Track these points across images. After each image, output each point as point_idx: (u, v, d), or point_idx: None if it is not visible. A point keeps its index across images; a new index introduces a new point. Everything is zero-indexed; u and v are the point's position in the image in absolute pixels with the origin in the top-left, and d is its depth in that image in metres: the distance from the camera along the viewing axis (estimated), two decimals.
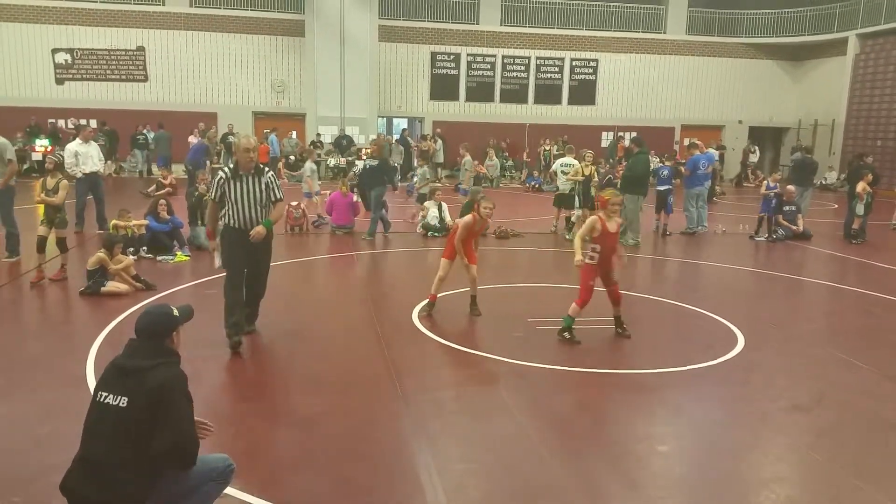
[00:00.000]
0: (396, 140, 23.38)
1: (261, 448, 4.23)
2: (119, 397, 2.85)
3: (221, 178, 5.79)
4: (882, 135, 22.44)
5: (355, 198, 12.28)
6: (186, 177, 18.66)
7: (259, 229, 5.74)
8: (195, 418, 3.02)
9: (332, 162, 21.90)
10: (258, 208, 5.80)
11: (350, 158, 22.02)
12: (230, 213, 5.78)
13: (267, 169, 5.98)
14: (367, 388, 5.24)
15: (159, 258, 9.44)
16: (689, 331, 7.09)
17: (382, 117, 24.99)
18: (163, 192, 14.02)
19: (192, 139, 21.04)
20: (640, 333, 6.73)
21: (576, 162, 12.49)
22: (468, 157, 15.86)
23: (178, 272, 8.96)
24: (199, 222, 10.38)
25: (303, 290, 8.70)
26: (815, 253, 11.86)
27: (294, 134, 22.71)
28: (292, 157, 21.50)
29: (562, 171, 12.71)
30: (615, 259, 6.44)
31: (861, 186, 12.52)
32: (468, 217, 7.07)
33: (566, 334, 6.37)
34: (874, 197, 12.86)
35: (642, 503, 3.76)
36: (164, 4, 22.28)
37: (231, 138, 21.30)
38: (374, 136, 21.79)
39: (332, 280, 9.48)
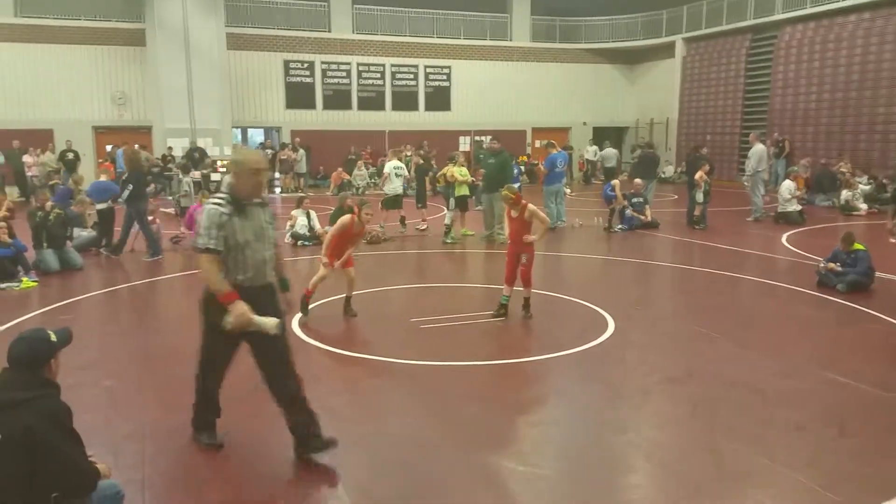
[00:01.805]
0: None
1: (154, 473, 3.89)
2: None
3: (222, 214, 3.78)
4: (711, 129, 24.63)
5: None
6: (23, 199, 17.03)
7: (288, 297, 4.26)
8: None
9: (185, 179, 20.76)
10: (268, 253, 4.00)
11: (205, 171, 21.03)
12: (237, 263, 3.86)
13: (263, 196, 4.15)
14: (254, 402, 4.96)
15: (3, 285, 8.50)
16: (563, 318, 7.37)
17: (237, 128, 24.10)
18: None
19: (28, 158, 19.28)
20: (518, 323, 6.93)
21: (402, 165, 13.41)
22: (390, 162, 15.40)
23: (25, 299, 8.13)
24: (45, 244, 9.51)
25: (170, 308, 8.16)
26: (664, 240, 12.76)
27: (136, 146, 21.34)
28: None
29: (395, 175, 13.08)
30: (525, 241, 7.03)
31: (699, 175, 13.63)
32: (346, 217, 7.01)
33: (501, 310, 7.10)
34: (711, 185, 14.05)
35: (544, 484, 3.83)
36: None
37: (70, 155, 19.72)
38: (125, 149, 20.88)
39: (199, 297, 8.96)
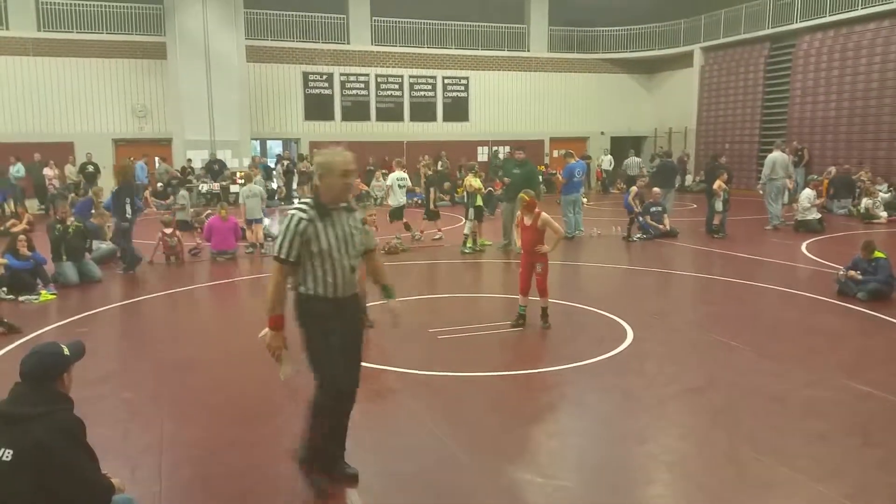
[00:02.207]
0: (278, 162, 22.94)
1: (170, 486, 3.92)
2: (3, 450, 2.52)
3: (301, 221, 3.54)
4: (730, 138, 24.45)
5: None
6: (43, 211, 17.30)
7: (393, 305, 4.01)
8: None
9: (204, 188, 21.03)
10: (355, 261, 3.73)
11: (224, 183, 21.26)
12: (316, 274, 3.58)
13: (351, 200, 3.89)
14: (271, 415, 5.00)
15: (22, 298, 8.61)
16: (581, 328, 7.33)
17: (256, 139, 24.34)
18: (20, 227, 12.83)
19: (48, 171, 19.60)
20: (536, 333, 6.91)
21: (405, 176, 13.54)
22: (393, 173, 15.42)
23: (44, 312, 8.22)
24: (64, 257, 9.63)
25: (188, 320, 8.23)
26: (683, 249, 12.67)
27: (158, 160, 21.69)
28: (160, 185, 20.46)
29: (399, 186, 13.16)
30: (538, 251, 6.99)
31: (717, 184, 13.54)
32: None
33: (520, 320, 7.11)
34: (730, 194, 13.94)
35: (562, 495, 3.81)
36: (7, 29, 20.62)
37: (90, 168, 20.02)
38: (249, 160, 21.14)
39: (218, 308, 9.04)
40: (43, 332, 7.19)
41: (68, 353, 2.79)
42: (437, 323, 7.24)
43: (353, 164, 3.74)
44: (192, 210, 15.95)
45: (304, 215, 3.56)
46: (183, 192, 16.53)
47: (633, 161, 23.55)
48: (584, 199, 20.37)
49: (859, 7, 19.94)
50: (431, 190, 14.04)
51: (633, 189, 14.22)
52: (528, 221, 7.04)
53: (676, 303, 8.88)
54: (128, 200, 10.36)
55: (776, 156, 14.71)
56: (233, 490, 3.91)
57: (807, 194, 14.36)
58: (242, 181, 15.00)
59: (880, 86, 19.42)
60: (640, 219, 13.55)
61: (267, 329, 3.60)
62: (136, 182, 11.14)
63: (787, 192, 15.06)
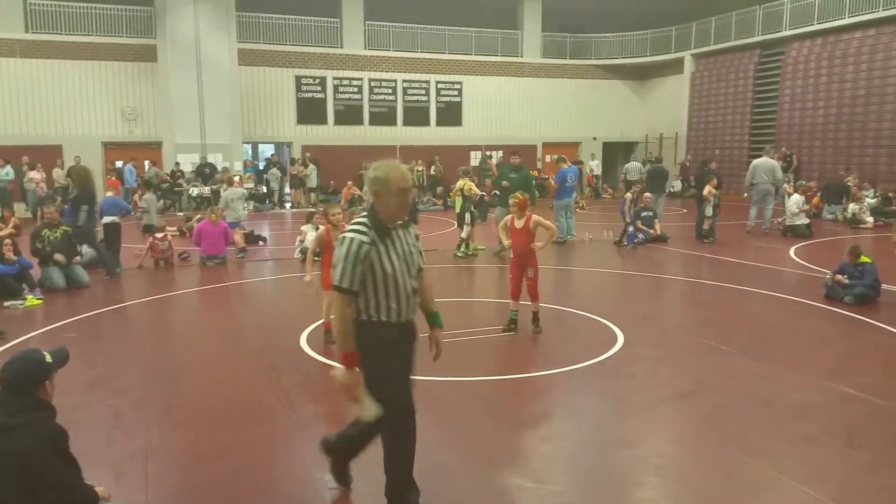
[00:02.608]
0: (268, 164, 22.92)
1: (157, 493, 3.90)
2: None
3: (363, 245, 3.22)
4: (720, 144, 24.62)
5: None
6: (30, 215, 17.19)
7: (438, 336, 3.72)
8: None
9: (194, 192, 20.98)
10: (416, 282, 3.45)
11: (214, 187, 21.21)
12: (379, 300, 3.29)
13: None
14: (259, 421, 4.98)
15: (7, 303, 8.51)
16: (572, 332, 7.35)
17: (248, 143, 24.30)
18: (6, 231, 12.75)
19: (34, 175, 19.47)
20: (527, 338, 6.93)
21: None
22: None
23: (29, 317, 8.15)
24: (50, 262, 9.55)
25: (176, 325, 8.20)
26: (673, 253, 12.73)
27: (147, 164, 21.64)
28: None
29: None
30: (529, 254, 6.98)
31: (707, 189, 13.63)
32: (320, 231, 6.73)
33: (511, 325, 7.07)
34: (720, 199, 14.03)
35: (554, 500, 3.82)
36: None
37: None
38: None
39: (209, 313, 9.00)
40: (28, 337, 7.11)
41: (50, 361, 2.73)
42: (427, 328, 7.22)
43: (410, 178, 3.41)
44: (181, 214, 15.91)
45: (364, 238, 3.21)
46: (148, 195, 16.17)
47: (633, 166, 23.21)
48: (582, 203, 20.64)
49: (846, 16, 20.16)
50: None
51: (628, 196, 14.23)
52: (518, 224, 7.02)
53: (667, 307, 8.92)
54: (85, 208, 10.17)
55: (758, 161, 14.92)
56: (221, 497, 3.89)
57: (795, 199, 14.47)
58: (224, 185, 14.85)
59: (866, 93, 19.63)
60: (631, 228, 13.54)
61: (339, 367, 3.28)
62: (94, 189, 10.89)
63: (774, 197, 15.12)
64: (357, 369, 3.25)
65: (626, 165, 23.74)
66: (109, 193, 11.98)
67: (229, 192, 13.02)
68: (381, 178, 3.28)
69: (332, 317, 3.90)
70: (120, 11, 21.60)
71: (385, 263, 3.24)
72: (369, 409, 3.26)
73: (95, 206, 10.57)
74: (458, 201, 12.54)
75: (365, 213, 3.34)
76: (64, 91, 21.17)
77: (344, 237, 3.24)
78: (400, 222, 3.37)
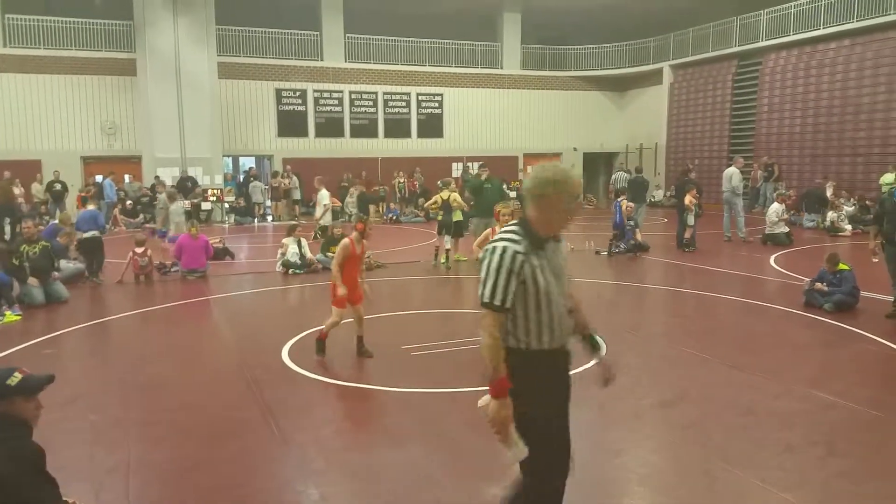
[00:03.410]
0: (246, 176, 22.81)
1: None
2: None
3: (517, 256, 2.75)
4: (699, 154, 24.87)
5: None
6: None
7: (609, 364, 3.25)
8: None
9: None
10: (568, 302, 3.01)
11: (195, 201, 21.05)
12: (530, 322, 2.83)
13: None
14: (241, 435, 4.93)
15: None
16: None
17: (228, 156, 24.19)
18: None
19: (14, 190, 19.21)
20: None
21: (328, 194, 14.11)
22: (324, 191, 15.63)
23: (7, 334, 8.00)
24: (27, 279, 9.41)
25: (158, 340, 8.10)
26: (654, 262, 12.81)
27: (127, 178, 21.51)
28: (130, 202, 20.22)
29: (323, 205, 13.65)
30: None
31: (688, 199, 13.75)
32: (345, 241, 6.60)
33: None
34: (702, 208, 14.15)
35: None
36: None
37: (57, 186, 19.66)
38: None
39: (189, 327, 8.90)
40: (4, 354, 7.00)
41: (12, 385, 2.64)
42: (410, 339, 7.22)
43: (577, 179, 2.99)
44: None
45: (518, 248, 2.74)
46: (175, 204, 15.33)
47: (621, 175, 23.23)
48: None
49: (821, 27, 20.50)
50: (370, 207, 14.51)
51: (628, 204, 14.16)
52: None
53: (649, 316, 8.96)
54: (8, 220, 9.95)
55: (727, 171, 15.31)
56: None
57: (775, 208, 14.64)
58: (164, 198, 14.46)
59: (842, 103, 19.94)
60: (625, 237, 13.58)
61: (488, 398, 2.84)
62: (17, 202, 10.82)
63: (739, 204, 15.14)
64: (509, 400, 2.77)
65: (614, 175, 23.95)
66: (91, 206, 11.76)
67: (175, 206, 13.33)
68: (552, 181, 2.80)
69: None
70: (99, 25, 21.47)
71: (540, 279, 2.77)
72: (516, 450, 2.81)
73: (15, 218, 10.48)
74: (441, 212, 12.61)
75: (516, 222, 2.93)
76: (43, 106, 20.97)
77: (494, 246, 2.78)
78: (553, 234, 2.90)
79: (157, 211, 13.92)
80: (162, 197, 14.46)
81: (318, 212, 15.51)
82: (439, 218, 12.77)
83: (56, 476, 2.85)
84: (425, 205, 17.50)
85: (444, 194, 12.69)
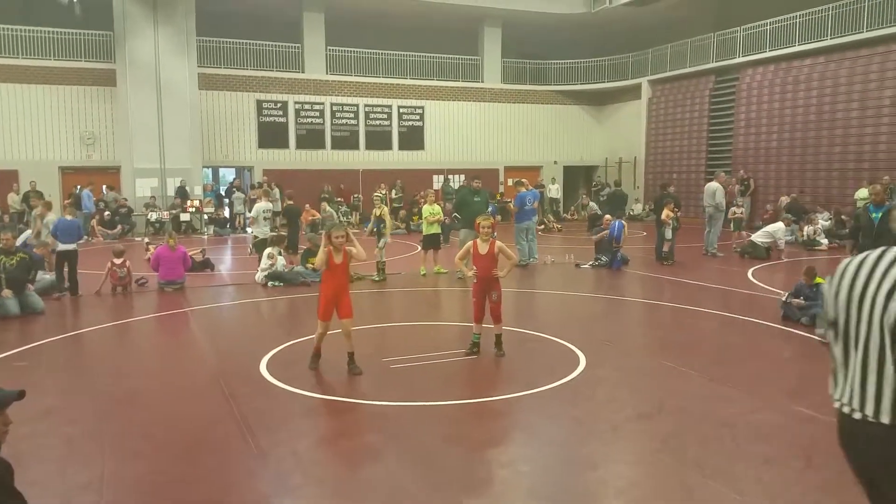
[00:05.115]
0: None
1: None
2: None
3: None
4: (677, 168, 25.16)
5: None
6: None
7: None
8: None
9: (153, 216, 20.63)
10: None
11: (174, 212, 20.90)
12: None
13: None
14: (218, 449, 4.87)
15: None
16: (535, 355, 7.36)
17: (208, 167, 24.04)
18: None
19: None
20: (490, 361, 6.92)
21: (271, 206, 13.99)
22: (261, 203, 14.93)
23: None
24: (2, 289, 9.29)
25: (135, 352, 7.99)
26: (633, 275, 12.89)
27: (105, 188, 21.29)
28: (108, 213, 19.99)
29: (263, 217, 13.34)
30: (493, 279, 7.00)
31: (665, 213, 13.88)
32: (321, 254, 6.56)
33: (474, 348, 7.07)
34: (680, 222, 14.29)
35: None
36: None
37: (33, 195, 19.32)
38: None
39: (167, 339, 8.80)
40: None
41: None
42: (389, 352, 7.19)
43: None
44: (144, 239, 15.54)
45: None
46: (260, 203, 13.90)
47: (593, 206, 23.48)
48: (558, 227, 20.99)
49: (796, 44, 20.88)
50: (298, 221, 15.09)
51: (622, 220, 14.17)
52: (483, 250, 6.99)
53: (628, 329, 9.00)
54: None
55: (708, 186, 15.50)
56: None
57: (780, 227, 15.02)
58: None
59: (817, 118, 20.30)
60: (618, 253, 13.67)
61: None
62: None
63: (720, 219, 15.25)
64: None
65: (590, 204, 24.06)
66: (68, 216, 11.46)
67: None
68: None
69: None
70: (79, 35, 21.33)
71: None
72: None
73: None
74: (426, 224, 12.64)
75: None
76: (20, 115, 20.76)
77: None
78: None
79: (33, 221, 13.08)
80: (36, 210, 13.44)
81: (251, 224, 14.76)
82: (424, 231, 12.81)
83: (26, 492, 2.79)
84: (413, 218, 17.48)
85: (427, 208, 12.81)
